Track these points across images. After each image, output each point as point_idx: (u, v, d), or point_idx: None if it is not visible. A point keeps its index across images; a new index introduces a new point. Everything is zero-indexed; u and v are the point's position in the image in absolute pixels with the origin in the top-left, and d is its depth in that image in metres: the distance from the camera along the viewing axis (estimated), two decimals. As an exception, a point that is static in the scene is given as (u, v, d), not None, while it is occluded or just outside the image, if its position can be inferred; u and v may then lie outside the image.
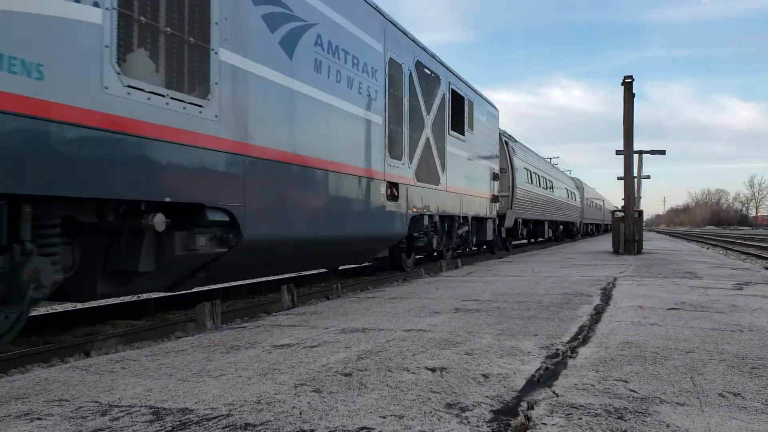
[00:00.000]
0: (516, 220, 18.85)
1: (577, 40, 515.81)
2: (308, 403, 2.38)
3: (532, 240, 27.49)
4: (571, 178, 38.73)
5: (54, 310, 7.83)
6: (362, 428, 2.08)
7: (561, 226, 29.60)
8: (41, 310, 8.06)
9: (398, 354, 3.25)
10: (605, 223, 55.26)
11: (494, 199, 15.37)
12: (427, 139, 10.88)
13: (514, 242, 22.62)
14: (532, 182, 21.37)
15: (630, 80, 14.86)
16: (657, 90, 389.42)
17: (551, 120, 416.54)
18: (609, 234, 46.99)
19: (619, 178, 19.13)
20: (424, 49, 11.14)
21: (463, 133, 13.09)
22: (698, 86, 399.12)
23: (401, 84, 9.77)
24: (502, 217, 17.01)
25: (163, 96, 4.77)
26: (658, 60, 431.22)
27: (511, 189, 18.23)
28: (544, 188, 23.86)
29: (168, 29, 4.80)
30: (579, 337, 3.68)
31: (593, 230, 48.72)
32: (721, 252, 21.22)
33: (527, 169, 20.78)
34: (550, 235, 26.80)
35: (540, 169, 24.39)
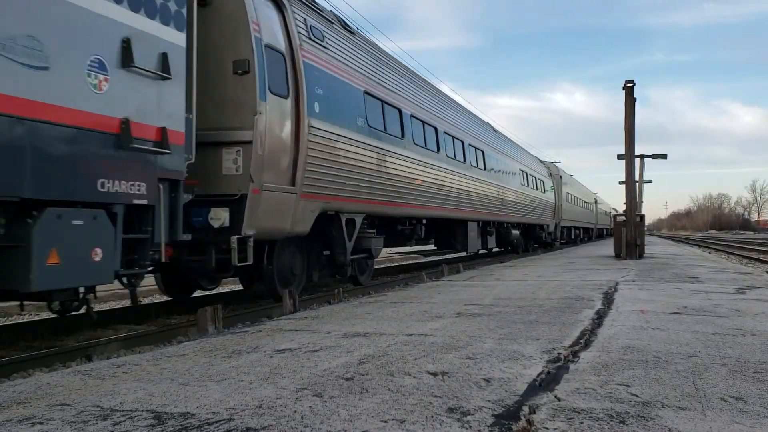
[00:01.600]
0: (332, 216, 7.92)
1: (580, 45, 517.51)
2: (310, 407, 2.38)
3: (482, 255, 18.71)
4: (541, 161, 27.30)
5: (55, 315, 7.83)
6: (364, 432, 2.08)
7: (515, 231, 18.75)
8: (42, 315, 8.06)
9: (400, 358, 3.25)
10: (598, 227, 45.31)
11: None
12: None
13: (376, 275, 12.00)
14: (405, 130, 10.09)
15: (631, 85, 14.88)
16: (660, 94, 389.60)
17: (553, 124, 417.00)
18: (601, 241, 38.84)
19: (620, 183, 19.10)
20: None
21: None
22: (701, 91, 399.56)
23: None
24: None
25: None
26: (661, 64, 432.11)
27: (294, 129, 6.94)
28: (452, 157, 12.60)
29: None
30: (581, 341, 3.68)
31: (580, 236, 36.91)
32: (723, 256, 21.18)
33: (373, 81, 9.22)
34: (490, 245, 16.33)
35: (435, 106, 12.21)
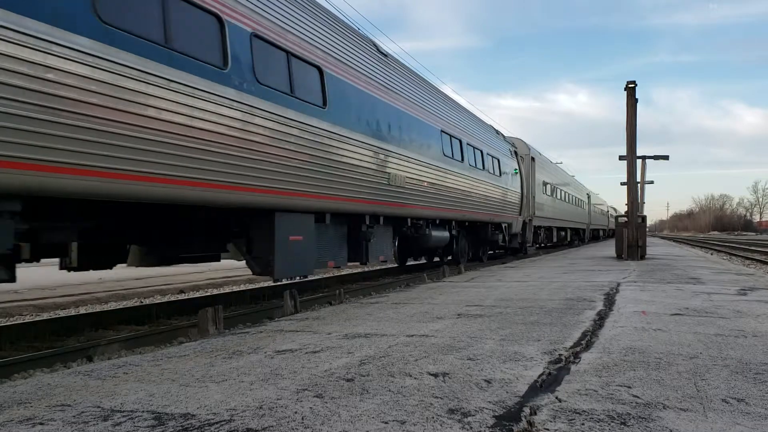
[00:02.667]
0: None
1: (584, 46, 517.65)
2: (310, 408, 2.38)
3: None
4: (500, 133, 18.44)
5: (57, 315, 7.84)
6: (364, 433, 2.07)
7: (441, 232, 12.29)
8: (44, 316, 8.08)
9: (401, 359, 3.25)
10: (593, 227, 38.65)
11: None
12: None
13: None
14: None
15: (633, 85, 14.87)
16: (663, 95, 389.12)
17: (556, 125, 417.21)
18: (596, 243, 33.32)
19: (622, 183, 19.05)
20: None
21: None
22: (704, 91, 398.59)
23: None
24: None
25: None
26: (665, 65, 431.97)
27: None
28: (201, 60, 5.36)
29: None
30: (582, 342, 3.67)
31: (567, 238, 29.44)
32: (724, 257, 21.16)
33: None
34: (373, 256, 9.24)
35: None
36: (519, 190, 18.21)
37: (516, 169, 18.14)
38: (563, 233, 27.81)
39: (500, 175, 16.20)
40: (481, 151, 14.70)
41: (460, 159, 12.86)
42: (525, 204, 18.88)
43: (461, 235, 14.14)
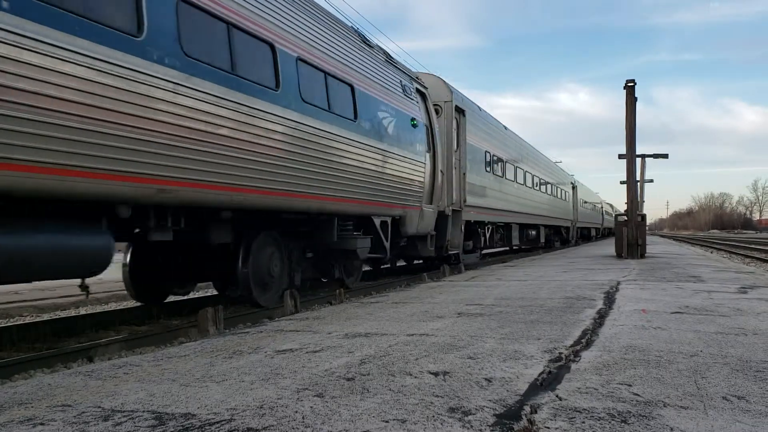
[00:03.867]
0: None
1: (585, 45, 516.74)
2: (311, 407, 2.38)
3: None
4: (386, 54, 9.81)
5: (57, 316, 7.85)
6: (365, 432, 2.07)
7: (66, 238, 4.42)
8: (44, 316, 8.09)
9: (401, 358, 3.25)
10: (581, 225, 31.70)
11: None
12: None
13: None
14: None
15: (632, 84, 14.87)
16: (664, 94, 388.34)
17: (558, 125, 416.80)
18: (586, 245, 27.76)
19: (622, 182, 19.05)
20: None
21: None
22: (705, 90, 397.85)
23: None
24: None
25: None
26: (667, 64, 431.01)
27: None
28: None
29: None
30: (582, 341, 3.67)
31: (540, 241, 21.63)
32: (724, 256, 21.16)
33: None
34: None
35: None
36: (426, 160, 10.52)
37: (414, 121, 10.13)
38: (533, 232, 20.38)
39: (356, 119, 8.10)
40: (277, 51, 6.43)
41: (211, 63, 5.45)
42: (442, 185, 11.44)
43: (262, 242, 7.00)
